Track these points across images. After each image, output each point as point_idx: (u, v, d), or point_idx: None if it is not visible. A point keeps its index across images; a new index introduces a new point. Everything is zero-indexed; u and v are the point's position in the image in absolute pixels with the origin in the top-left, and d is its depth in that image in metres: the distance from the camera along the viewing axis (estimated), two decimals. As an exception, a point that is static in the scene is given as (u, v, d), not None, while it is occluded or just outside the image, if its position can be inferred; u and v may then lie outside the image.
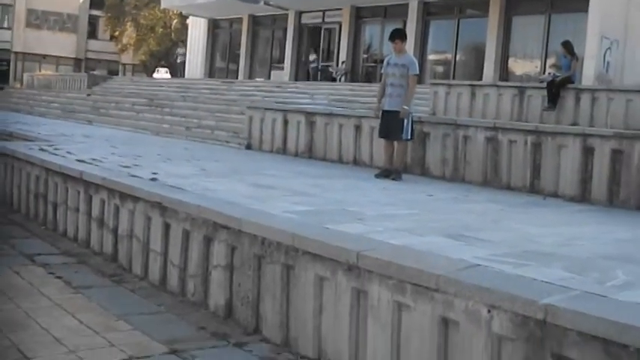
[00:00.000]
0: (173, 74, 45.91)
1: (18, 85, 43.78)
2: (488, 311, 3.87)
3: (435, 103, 16.82)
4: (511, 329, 3.78)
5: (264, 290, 5.47)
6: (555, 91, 15.06)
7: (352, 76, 28.57)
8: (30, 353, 4.95)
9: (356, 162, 11.75)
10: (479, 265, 4.48)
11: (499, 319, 3.83)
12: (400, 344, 4.38)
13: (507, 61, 23.80)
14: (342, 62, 29.01)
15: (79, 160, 9.31)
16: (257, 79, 31.38)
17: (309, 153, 12.63)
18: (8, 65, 68.17)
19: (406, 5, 26.41)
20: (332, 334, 4.86)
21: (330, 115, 12.70)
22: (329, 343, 4.88)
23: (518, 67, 23.94)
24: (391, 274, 4.40)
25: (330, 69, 29.57)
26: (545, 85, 15.45)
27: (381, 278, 4.47)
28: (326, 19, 30.70)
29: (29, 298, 6.21)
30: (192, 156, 11.68)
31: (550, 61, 21.99)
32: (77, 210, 8.41)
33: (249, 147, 13.81)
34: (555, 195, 9.32)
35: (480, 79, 22.63)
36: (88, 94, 25.79)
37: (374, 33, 29.43)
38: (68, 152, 10.31)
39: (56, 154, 10.02)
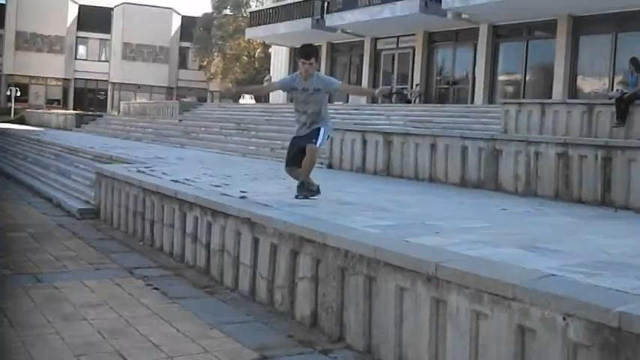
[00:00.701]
0: (258, 100, 46.32)
1: (115, 113, 44.81)
2: (564, 319, 3.81)
3: (506, 122, 16.62)
4: (586, 337, 3.71)
5: (347, 300, 5.48)
6: (624, 107, 14.74)
7: (426, 97, 28.47)
8: (131, 358, 5.05)
9: (431, 179, 11.67)
10: (553, 274, 4.40)
11: (574, 326, 3.76)
12: (478, 352, 4.34)
13: (576, 79, 23.43)
14: (417, 85, 28.94)
15: (173, 181, 9.47)
16: (336, 103, 31.49)
17: (387, 171, 12.60)
18: (106, 94, 69.91)
19: (476, 29, 26.26)
20: (412, 342, 4.84)
21: (406, 134, 12.66)
22: (409, 351, 4.86)
23: (587, 84, 23.54)
24: (469, 284, 4.37)
25: (405, 91, 29.52)
26: (613, 101, 15.14)
27: (459, 288, 4.44)
28: (400, 45, 30.71)
29: (129, 307, 6.34)
30: (277, 175, 11.75)
31: (618, 78, 21.56)
32: (172, 226, 8.57)
33: (330, 166, 13.85)
34: (626, 207, 9.09)
35: (550, 97, 22.31)
36: (180, 120, 26.24)
37: (446, 56, 29.32)
38: (163, 173, 10.50)
39: (152, 175, 10.22)
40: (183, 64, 70.98)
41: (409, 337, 4.86)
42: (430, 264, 4.65)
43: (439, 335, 4.63)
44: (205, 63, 63.33)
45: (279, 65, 38.52)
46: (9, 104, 57.37)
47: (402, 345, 4.92)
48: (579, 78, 23.49)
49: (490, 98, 25.61)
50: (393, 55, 31.38)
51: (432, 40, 29.02)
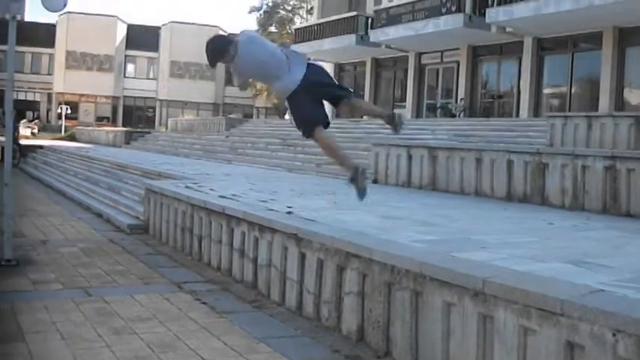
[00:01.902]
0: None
1: (163, 130, 45.30)
2: (613, 335, 3.75)
3: (552, 135, 16.42)
4: (636, 353, 3.64)
5: (394, 315, 5.46)
6: (671, 119, 14.50)
7: (471, 111, 28.32)
8: (181, 373, 5.11)
9: (477, 193, 11.59)
10: (602, 290, 4.34)
11: (624, 342, 3.70)
12: (527, 368, 4.29)
13: (622, 91, 23.11)
14: (461, 99, 28.81)
15: (220, 196, 9.54)
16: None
17: (432, 185, 12.55)
18: (154, 111, 70.78)
19: (521, 42, 26.08)
20: (459, 358, 4.79)
21: (451, 149, 12.60)
22: (457, 366, 4.83)
23: (634, 97, 23.20)
24: (516, 299, 4.32)
25: (450, 106, 29.40)
26: (661, 114, 14.92)
27: (506, 303, 4.40)
28: (444, 59, 30.61)
29: (178, 321, 6.39)
30: (322, 190, 11.79)
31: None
32: (220, 241, 8.62)
33: (375, 181, 13.83)
34: (676, 221, 8.95)
35: (596, 110, 22.03)
36: (227, 136, 26.44)
37: (490, 70, 29.17)
38: (211, 189, 10.58)
39: (200, 191, 10.30)
40: (229, 81, 71.21)
41: (456, 352, 4.82)
42: (477, 279, 4.61)
43: (486, 351, 4.59)
44: (251, 80, 63.74)
45: (323, 81, 38.62)
46: (60, 122, 58.38)
47: (449, 360, 4.89)
48: (626, 90, 23.17)
49: (535, 112, 25.39)
50: (438, 70, 31.29)
51: (476, 54, 28.88)
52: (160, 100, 71.13)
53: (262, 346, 5.74)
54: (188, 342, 5.80)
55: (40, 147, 30.19)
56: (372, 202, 9.56)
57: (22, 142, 29.67)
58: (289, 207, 8.45)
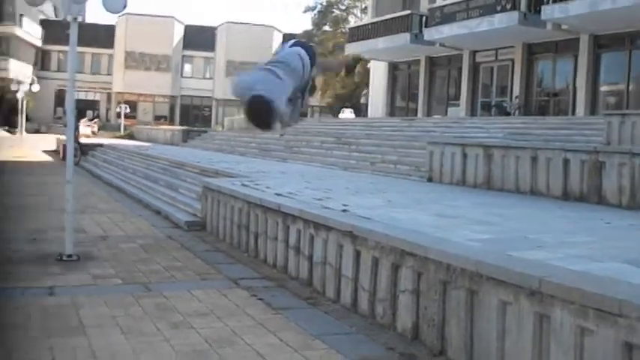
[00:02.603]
0: (357, 114, 46.43)
1: (219, 128, 45.66)
2: (674, 336, 3.68)
3: (609, 133, 16.09)
4: (698, 355, 3.57)
5: (449, 314, 5.43)
6: None
7: (526, 109, 27.97)
8: (237, 368, 5.14)
9: (533, 192, 11.44)
10: (662, 291, 4.25)
11: (685, 344, 3.63)
12: (583, 368, 4.23)
13: (681, 89, 22.64)
14: (516, 97, 28.48)
15: (276, 194, 9.59)
16: (435, 116, 31.31)
17: (487, 184, 12.43)
18: (210, 111, 71.39)
19: (577, 40, 25.68)
20: (515, 357, 4.74)
21: (506, 147, 12.46)
22: (512, 365, 4.77)
23: (693, 94, 22.72)
24: (573, 299, 4.26)
25: (504, 104, 29.08)
26: None
27: (563, 303, 4.33)
28: (499, 57, 30.30)
29: (235, 317, 6.44)
30: (377, 189, 11.77)
31: None
32: (276, 239, 8.66)
33: (429, 179, 13.76)
34: None
35: (655, 107, 21.62)
36: (282, 134, 26.52)
37: (546, 68, 28.76)
38: (267, 187, 10.64)
39: (256, 189, 10.36)
40: (283, 80, 71.67)
41: (511, 352, 4.77)
42: (534, 278, 4.55)
43: (542, 351, 4.53)
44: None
45: (378, 80, 38.58)
46: (119, 121, 59.26)
47: (504, 360, 4.84)
48: (685, 87, 22.70)
49: (592, 109, 24.98)
50: (492, 68, 30.99)
51: (531, 51, 28.52)
52: (217, 100, 71.71)
53: (317, 342, 5.75)
54: (245, 337, 5.84)
55: (100, 145, 30.67)
56: (426, 201, 9.53)
57: (83, 140, 30.18)
58: (344, 205, 8.45)
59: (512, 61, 29.26)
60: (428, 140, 15.10)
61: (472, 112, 30.74)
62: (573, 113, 25.56)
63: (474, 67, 31.55)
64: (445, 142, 14.00)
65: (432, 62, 34.60)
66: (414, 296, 5.83)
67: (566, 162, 10.96)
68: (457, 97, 32.43)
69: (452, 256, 5.43)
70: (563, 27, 25.25)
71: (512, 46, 28.89)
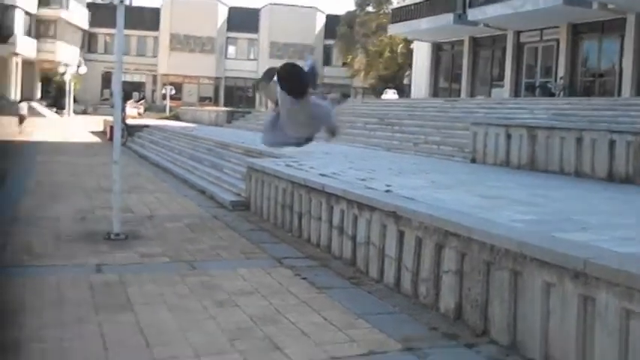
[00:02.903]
0: (400, 95, 46.18)
1: (263, 109, 45.74)
2: None
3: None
4: None
5: (492, 294, 5.40)
6: None
7: (570, 90, 27.56)
8: (281, 344, 5.17)
9: (577, 173, 11.30)
10: None
11: None
12: (628, 351, 4.17)
13: None
14: (561, 78, 28.07)
15: (320, 174, 9.59)
16: (478, 97, 31.02)
17: (531, 165, 12.30)
18: (254, 92, 71.49)
19: (623, 19, 25.18)
20: (558, 339, 4.71)
21: (551, 128, 12.31)
22: (555, 348, 4.73)
23: None
24: (619, 281, 4.21)
25: (549, 85, 28.68)
26: None
27: (608, 285, 4.28)
28: (544, 37, 29.85)
29: (279, 296, 6.48)
30: (420, 169, 11.72)
31: None
32: (319, 219, 8.68)
33: (473, 160, 13.67)
34: None
35: None
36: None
37: (591, 48, 28.24)
38: (311, 167, 10.65)
39: (300, 169, 10.38)
40: (327, 61, 71.67)
41: (555, 334, 4.74)
42: (578, 260, 4.51)
43: (587, 333, 4.49)
44: (349, 60, 63.65)
45: (421, 61, 38.31)
46: (164, 102, 59.67)
47: (547, 342, 4.80)
48: None
49: (638, 90, 24.51)
50: (537, 48, 30.56)
51: (576, 31, 28.04)
52: (260, 81, 71.76)
53: (361, 322, 5.77)
54: (289, 316, 5.88)
55: (146, 126, 30.92)
56: (470, 182, 9.46)
57: (129, 121, 30.45)
58: (388, 185, 8.42)
59: (557, 41, 28.81)
60: (471, 121, 14.98)
61: (516, 93, 30.37)
62: (619, 94, 25.11)
63: (518, 48, 31.14)
64: (489, 122, 13.88)
65: (475, 43, 34.22)
66: (458, 277, 5.81)
67: (611, 143, 10.80)
68: (501, 77, 32.07)
69: (495, 236, 5.39)
70: (610, 6, 24.77)
71: (557, 26, 28.43)
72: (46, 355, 4.81)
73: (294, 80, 6.10)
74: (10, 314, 5.70)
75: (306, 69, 6.38)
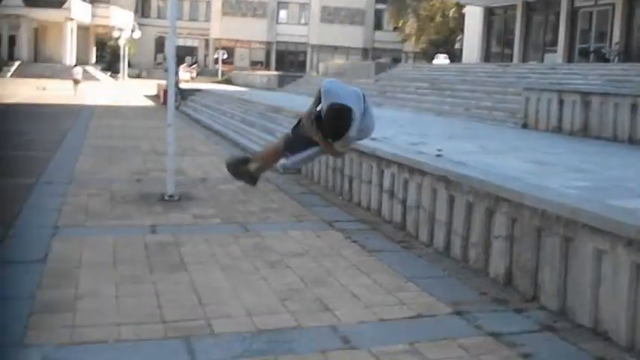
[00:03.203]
0: (451, 60, 45.64)
1: (314, 74, 45.65)
2: None
3: None
4: None
5: (542, 260, 5.35)
6: None
7: (625, 56, 26.91)
8: (331, 305, 5.21)
9: (631, 140, 11.08)
10: None
11: None
12: (681, 318, 4.12)
13: None
14: (616, 43, 27.40)
15: (371, 138, 9.53)
16: (531, 62, 30.50)
17: (584, 132, 12.09)
18: (305, 56, 71.32)
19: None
20: (609, 306, 4.66)
21: (605, 94, 12.06)
22: (606, 314, 4.69)
23: None
24: (673, 248, 4.14)
25: (603, 50, 28.04)
26: None
27: (662, 253, 4.22)
28: (599, 2, 29.13)
29: (330, 258, 6.52)
30: (471, 134, 11.61)
31: None
32: (370, 182, 8.67)
33: (524, 126, 13.49)
34: None
35: None
36: (376, 80, 26.38)
37: (648, 13, 27.49)
38: (361, 131, 10.60)
39: (351, 134, 10.34)
40: (378, 25, 71.09)
41: (606, 301, 4.69)
42: (631, 227, 4.44)
43: (638, 300, 4.44)
44: (400, 24, 62.99)
45: (473, 25, 37.73)
46: (216, 66, 59.88)
47: (598, 308, 4.76)
48: None
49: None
50: (591, 13, 29.84)
51: (632, -4, 27.31)
52: (311, 45, 71.55)
53: (410, 285, 5.78)
54: (339, 278, 5.91)
55: (199, 90, 31.10)
56: (521, 147, 9.35)
57: (182, 85, 30.63)
58: (439, 150, 8.37)
59: (613, 5, 28.08)
60: (524, 86, 14.76)
61: (569, 59, 29.76)
62: (676, 59, 24.47)
63: (572, 12, 30.44)
64: (541, 88, 13.66)
65: (528, 7, 33.54)
66: (508, 242, 5.77)
67: (667, 110, 10.57)
68: (554, 43, 31.41)
69: (547, 202, 5.33)
70: (668, -30, 24.08)
71: (612, -9, 27.73)
72: (101, 311, 4.91)
73: (340, 132, 4.96)
74: (67, 271, 5.84)
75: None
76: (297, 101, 20.60)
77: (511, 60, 32.91)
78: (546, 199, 5.40)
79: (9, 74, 52.35)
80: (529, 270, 5.47)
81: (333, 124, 4.87)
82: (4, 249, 6.52)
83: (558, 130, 12.69)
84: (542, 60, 30.90)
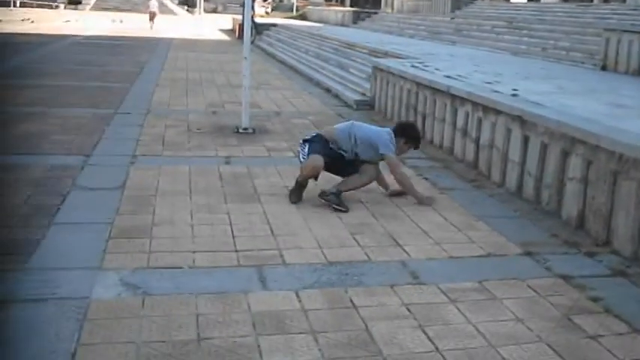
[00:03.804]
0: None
1: (389, 10, 44.96)
2: None
3: None
4: None
5: (617, 204, 5.22)
6: None
7: None
8: (401, 241, 5.22)
9: None
10: None
11: None
12: None
13: None
14: None
15: (446, 76, 9.41)
16: (612, 3, 29.44)
17: (666, 75, 11.67)
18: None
19: None
20: (686, 251, 4.55)
21: (690, 36, 11.57)
22: (682, 260, 4.58)
23: None
24: None
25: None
26: None
27: None
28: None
29: (402, 195, 6.46)
30: (548, 75, 11.31)
31: None
32: (443, 120, 8.57)
33: (603, 68, 13.05)
34: None
35: None
36: (452, 18, 25.85)
37: None
38: (436, 69, 10.45)
39: (426, 70, 10.21)
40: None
41: (683, 246, 4.57)
42: None
43: None
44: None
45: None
46: (291, 1, 59.49)
47: (673, 254, 4.65)
48: None
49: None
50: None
51: None
52: (387, -19, 70.41)
53: (481, 224, 5.72)
54: (410, 214, 5.90)
55: (274, 25, 31.00)
56: (600, 89, 9.07)
57: (257, 20, 30.56)
58: (514, 89, 8.18)
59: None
60: (604, 27, 14.25)
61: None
62: None
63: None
64: (623, 29, 13.14)
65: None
66: (582, 185, 5.64)
67: None
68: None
69: (625, 145, 5.18)
70: None
71: None
72: (177, 238, 5.01)
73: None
74: (144, 199, 5.96)
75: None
76: (372, 37, 20.40)
77: (591, 0, 31.81)
78: (624, 142, 5.24)
79: (88, 7, 53.04)
80: (603, 214, 5.35)
81: None
82: (84, 176, 6.68)
83: (638, 73, 12.25)
84: (624, 0, 29.78)
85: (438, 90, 8.73)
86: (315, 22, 38.53)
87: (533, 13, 24.63)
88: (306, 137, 6.40)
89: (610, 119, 6.45)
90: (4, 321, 3.69)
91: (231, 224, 5.39)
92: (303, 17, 45.25)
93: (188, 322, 3.73)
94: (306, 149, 6.19)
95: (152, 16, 36.05)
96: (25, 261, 4.45)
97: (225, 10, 60.90)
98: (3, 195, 5.97)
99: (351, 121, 6.60)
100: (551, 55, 15.63)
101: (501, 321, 3.94)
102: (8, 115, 9.67)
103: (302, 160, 6.20)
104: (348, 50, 17.36)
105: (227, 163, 7.47)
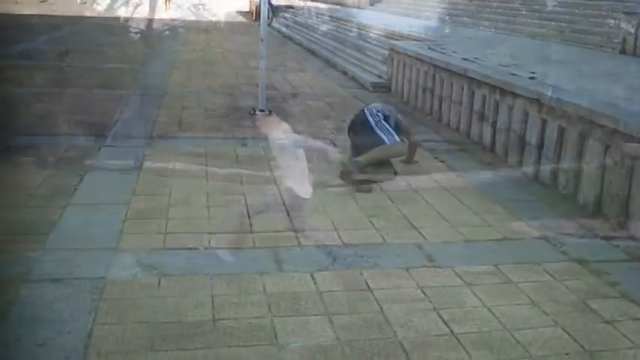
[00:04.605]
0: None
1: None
2: None
3: None
4: None
5: (635, 189, 5.17)
6: None
7: None
8: (417, 223, 5.20)
9: None
10: None
11: None
12: None
13: None
14: None
15: (463, 59, 9.33)
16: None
17: (685, 58, 11.54)
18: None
19: None
20: None
21: None
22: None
23: None
24: None
25: None
26: None
27: None
28: None
29: (417, 177, 6.44)
30: (566, 58, 11.19)
31: None
32: (460, 103, 8.50)
33: (622, 52, 12.90)
34: None
35: None
36: (471, 0, 25.65)
37: None
38: (453, 51, 10.36)
39: (443, 53, 10.13)
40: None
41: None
42: None
43: None
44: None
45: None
46: (309, -17, 59.22)
47: (691, 239, 4.59)
48: None
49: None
50: None
51: None
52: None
53: (497, 207, 5.68)
54: (426, 197, 5.86)
55: (291, 7, 30.86)
56: (618, 73, 8.98)
57: (275, 2, 30.41)
58: (532, 72, 8.10)
59: None
60: (623, 10, 14.08)
61: None
62: None
63: None
64: (643, 11, 13.00)
65: None
66: (599, 169, 5.58)
67: None
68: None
69: (645, 130, 5.12)
70: None
71: None
72: (193, 219, 5.01)
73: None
74: (160, 180, 5.96)
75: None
76: (389, 20, 20.27)
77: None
78: (643, 126, 5.18)
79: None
80: (620, 199, 5.30)
81: None
82: (101, 157, 6.69)
83: (657, 56, 12.13)
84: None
85: (454, 72, 8.66)
86: (332, 4, 38.32)
87: (551, -4, 24.35)
88: (378, 110, 6.66)
89: (629, 103, 6.37)
90: (21, 301, 3.70)
91: (247, 205, 5.38)
92: (319, -1, 44.97)
93: (204, 303, 3.73)
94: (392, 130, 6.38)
95: (168, -1, 35.89)
96: (42, 241, 4.46)
97: (242, -8, 60.66)
98: (21, 175, 5.98)
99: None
100: (569, 38, 15.48)
101: (517, 305, 3.91)
102: (26, 96, 9.70)
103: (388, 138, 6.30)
104: (365, 32, 17.26)
105: (243, 144, 7.46)
